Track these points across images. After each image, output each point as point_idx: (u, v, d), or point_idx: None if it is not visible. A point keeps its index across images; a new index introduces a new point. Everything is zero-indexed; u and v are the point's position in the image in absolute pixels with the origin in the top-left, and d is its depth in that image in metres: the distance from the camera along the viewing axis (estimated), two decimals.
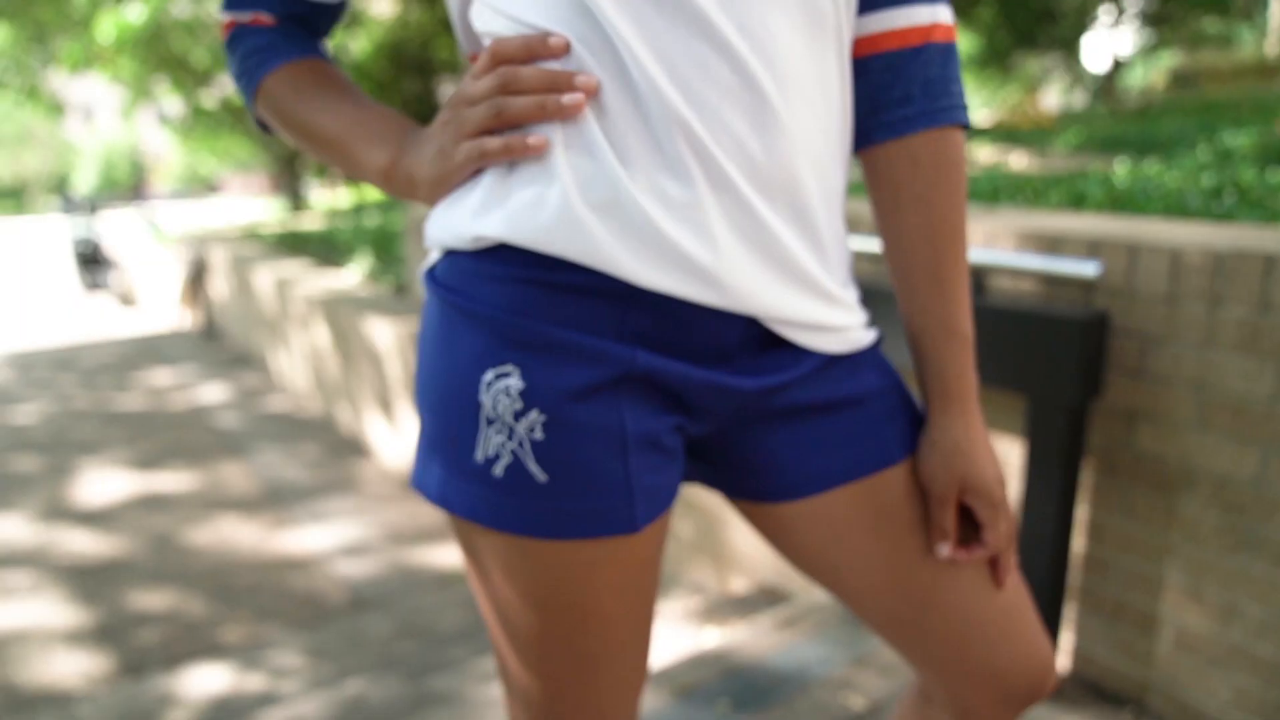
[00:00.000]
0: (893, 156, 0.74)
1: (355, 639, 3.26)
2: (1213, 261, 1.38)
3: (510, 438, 0.65)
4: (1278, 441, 1.36)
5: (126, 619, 3.42)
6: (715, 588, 2.61)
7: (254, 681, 3.03)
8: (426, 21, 18.72)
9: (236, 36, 0.81)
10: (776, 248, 0.66)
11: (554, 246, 0.63)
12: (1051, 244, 1.59)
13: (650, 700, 1.76)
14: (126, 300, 14.91)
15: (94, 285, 16.55)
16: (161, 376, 7.37)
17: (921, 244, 0.74)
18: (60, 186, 43.82)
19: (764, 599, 2.41)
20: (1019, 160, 7.33)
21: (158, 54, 13.71)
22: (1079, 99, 17.54)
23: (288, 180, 16.29)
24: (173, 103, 21.26)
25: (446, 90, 21.07)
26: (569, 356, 0.65)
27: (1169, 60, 24.67)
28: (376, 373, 4.89)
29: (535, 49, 0.63)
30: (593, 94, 0.62)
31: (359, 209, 12.69)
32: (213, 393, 6.74)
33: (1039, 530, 1.56)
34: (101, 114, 42.17)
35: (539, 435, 0.65)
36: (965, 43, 20.61)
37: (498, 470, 0.66)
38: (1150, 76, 20.20)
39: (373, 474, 4.90)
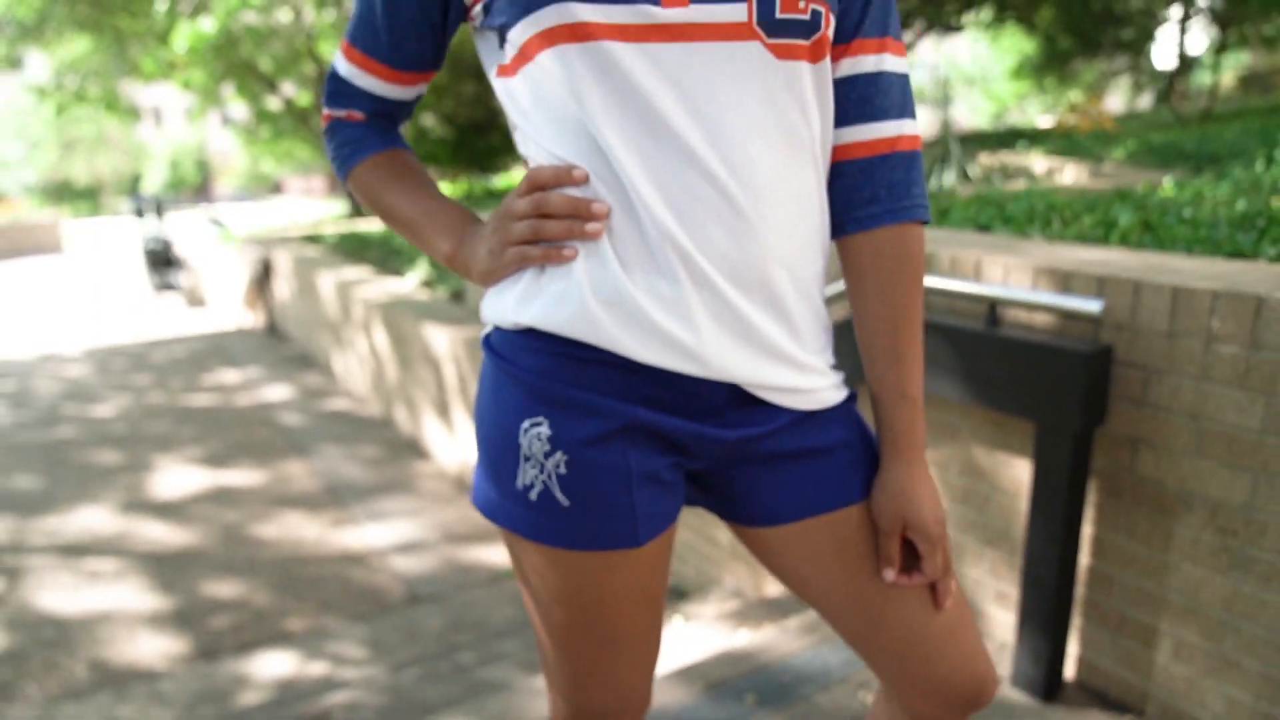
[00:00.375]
0: (860, 247, 0.89)
1: (411, 631, 3.45)
2: (1209, 300, 1.49)
3: (542, 471, 0.83)
4: (1266, 470, 1.46)
5: (201, 605, 3.66)
6: (751, 592, 2.74)
7: (317, 668, 3.24)
8: None
9: (333, 128, 0.99)
10: (750, 330, 0.82)
11: (573, 332, 0.82)
12: (1063, 279, 1.70)
13: (683, 693, 1.91)
14: (194, 300, 15.46)
15: (163, 285, 17.14)
16: (229, 375, 7.70)
17: (881, 323, 0.89)
18: (133, 187, 45.34)
19: (795, 603, 2.54)
20: (1072, 173, 7.30)
21: (227, 60, 14.21)
22: (1146, 100, 17.14)
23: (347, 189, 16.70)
24: (239, 107, 21.90)
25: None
26: (585, 412, 0.82)
27: (1239, 61, 23.97)
28: (434, 378, 5.10)
29: (563, 178, 0.80)
30: (605, 219, 0.79)
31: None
32: (277, 392, 7.03)
33: (1046, 547, 1.68)
34: (170, 116, 43.61)
35: (563, 470, 0.83)
36: (1025, 45, 20.27)
37: (532, 495, 0.84)
38: (1221, 76, 19.69)
39: (429, 474, 5.11)
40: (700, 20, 0.76)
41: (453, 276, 6.12)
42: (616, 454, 0.83)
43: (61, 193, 43.08)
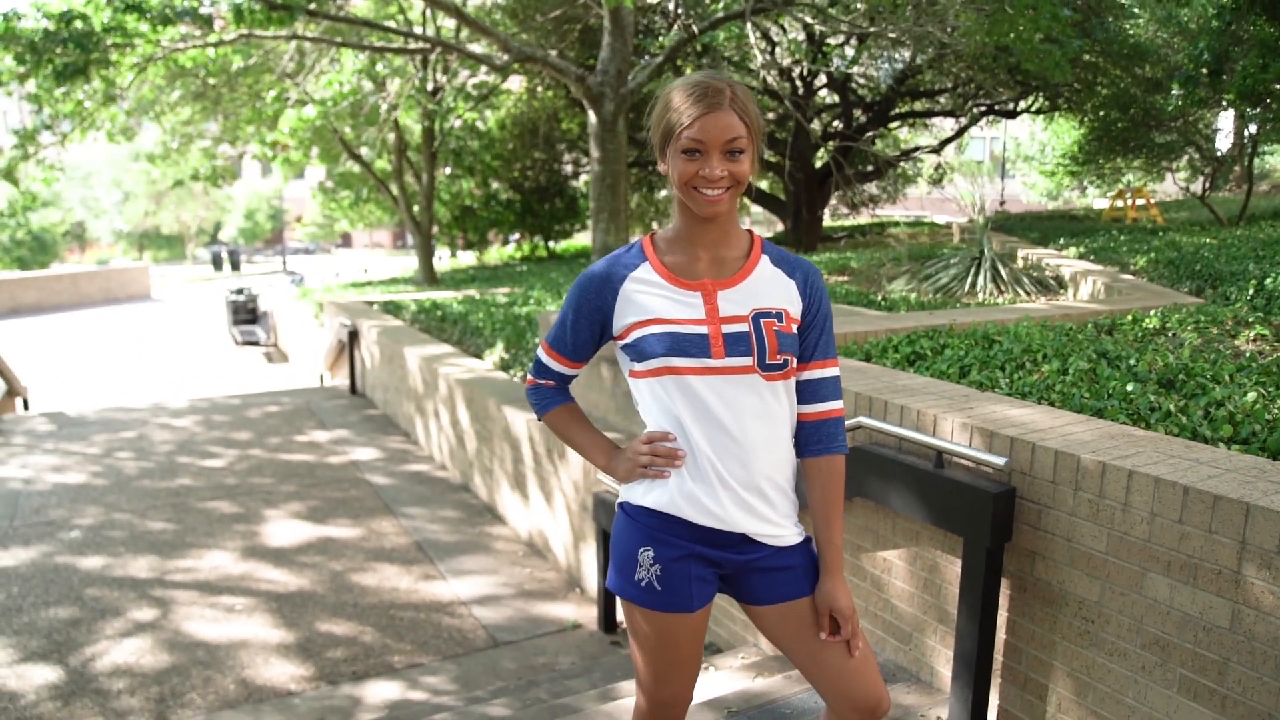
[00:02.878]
0: (809, 466, 1.70)
1: (493, 670, 4.20)
2: (1075, 462, 2.20)
3: (648, 572, 1.61)
4: (1109, 579, 2.15)
5: (320, 639, 4.44)
6: (767, 649, 3.45)
7: (418, 695, 4.00)
8: (550, 98, 20.43)
9: (537, 389, 1.81)
10: (750, 508, 1.62)
11: (667, 510, 1.63)
12: (989, 437, 2.42)
13: (710, 717, 2.63)
14: (275, 356, 16.57)
15: (246, 340, 18.27)
16: (319, 434, 8.60)
17: (819, 505, 1.68)
18: (213, 236, 47.61)
19: None
20: (1094, 282, 7.90)
21: (317, 133, 15.50)
22: (1203, 183, 17.47)
23: (422, 248, 17.68)
24: (317, 169, 23.25)
25: (566, 156, 22.75)
26: (670, 546, 1.63)
27: None
28: (512, 453, 5.89)
29: (662, 438, 1.62)
30: (682, 459, 1.59)
31: (479, 277, 13.95)
32: (365, 453, 7.89)
33: (968, 627, 2.37)
34: (248, 166, 45.92)
35: (658, 573, 1.62)
36: (1075, 133, 20.87)
37: (643, 584, 1.63)
38: (1259, 174, 20.00)
39: (504, 538, 5.88)
40: (731, 365, 1.58)
41: (524, 360, 6.97)
42: (684, 566, 1.63)
43: (147, 240, 45.40)
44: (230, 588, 5.04)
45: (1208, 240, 9.35)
